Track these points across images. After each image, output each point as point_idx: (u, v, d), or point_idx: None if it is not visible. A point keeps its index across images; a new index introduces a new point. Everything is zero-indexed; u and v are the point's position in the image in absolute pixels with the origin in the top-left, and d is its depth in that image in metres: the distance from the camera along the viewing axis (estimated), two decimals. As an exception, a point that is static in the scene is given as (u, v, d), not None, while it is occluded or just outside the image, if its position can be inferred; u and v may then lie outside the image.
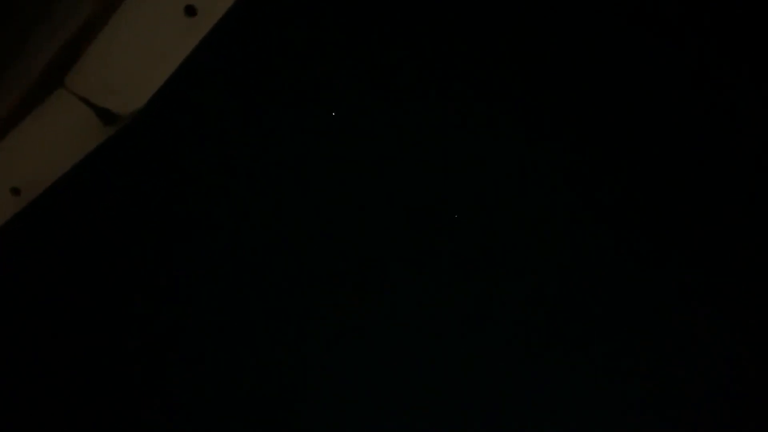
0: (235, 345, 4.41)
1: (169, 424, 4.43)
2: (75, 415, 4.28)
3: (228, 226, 4.28)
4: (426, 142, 4.41)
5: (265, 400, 4.46)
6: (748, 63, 4.17)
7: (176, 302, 4.21)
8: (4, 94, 3.36)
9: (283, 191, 4.30)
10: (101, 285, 4.06)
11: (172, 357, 4.32)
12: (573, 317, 4.54)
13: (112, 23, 3.26)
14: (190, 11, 3.23)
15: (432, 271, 4.52)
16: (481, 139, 4.42)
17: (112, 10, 3.22)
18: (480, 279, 4.53)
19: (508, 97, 4.38)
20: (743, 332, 4.40)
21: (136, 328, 4.16)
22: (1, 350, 4.04)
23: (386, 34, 4.25)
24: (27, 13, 3.26)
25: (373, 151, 4.33)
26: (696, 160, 4.31)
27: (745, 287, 4.34)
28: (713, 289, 4.40)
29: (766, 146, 4.23)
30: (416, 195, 4.44)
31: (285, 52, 4.11)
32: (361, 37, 4.21)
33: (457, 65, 4.38)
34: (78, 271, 4.03)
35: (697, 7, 4.12)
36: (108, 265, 4.03)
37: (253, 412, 4.43)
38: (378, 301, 4.48)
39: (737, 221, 4.29)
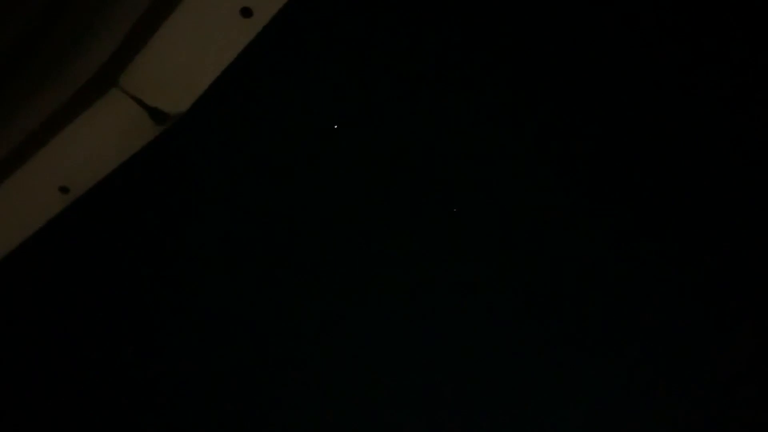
0: (243, 339, 4.45)
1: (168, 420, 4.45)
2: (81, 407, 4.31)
3: (243, 230, 4.34)
4: (424, 141, 4.51)
5: (268, 395, 4.50)
6: (747, 62, 4.33)
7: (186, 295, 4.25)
8: (58, 92, 3.42)
9: (284, 189, 4.36)
10: (143, 281, 4.12)
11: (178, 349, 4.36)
12: (568, 311, 4.62)
13: (168, 23, 3.35)
14: (246, 12, 3.33)
15: (430, 267, 4.59)
16: (479, 136, 4.53)
17: (170, 10, 3.32)
18: (477, 273, 4.61)
19: (505, 95, 4.50)
20: (744, 328, 4.51)
21: (171, 323, 4.21)
22: (44, 341, 4.06)
23: (386, 36, 4.36)
24: (84, 13, 3.35)
25: (371, 150, 4.42)
26: (696, 158, 4.43)
27: (747, 284, 4.46)
28: (713, 285, 4.51)
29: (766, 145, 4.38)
30: (413, 191, 4.52)
31: (288, 61, 4.21)
32: (363, 38, 4.32)
33: (454, 63, 4.49)
34: (119, 268, 4.09)
35: (696, 7, 4.29)
36: (147, 263, 4.10)
37: (258, 407, 4.47)
38: (377, 297, 4.55)
39: (738, 219, 4.41)
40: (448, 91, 4.51)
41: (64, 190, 3.59)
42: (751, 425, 4.58)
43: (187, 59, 3.43)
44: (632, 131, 4.47)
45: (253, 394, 4.50)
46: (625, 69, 4.43)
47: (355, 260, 4.49)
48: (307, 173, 4.41)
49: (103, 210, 3.83)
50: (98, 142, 3.52)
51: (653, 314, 4.63)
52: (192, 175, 4.03)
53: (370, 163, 4.46)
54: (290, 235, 4.43)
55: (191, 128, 3.70)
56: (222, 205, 4.16)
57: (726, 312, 4.55)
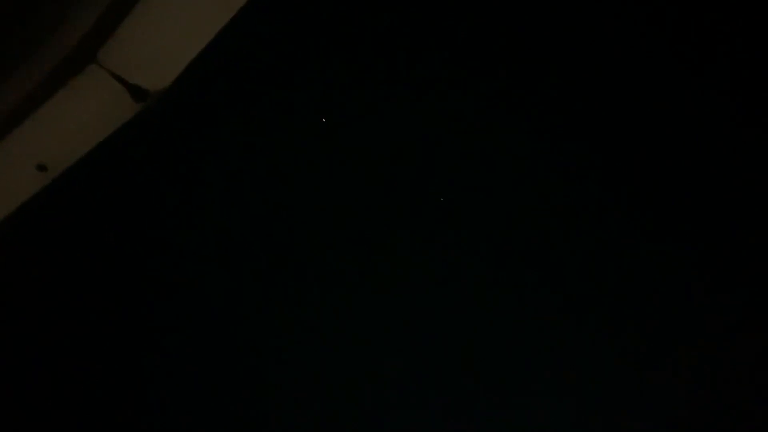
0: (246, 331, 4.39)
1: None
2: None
3: (237, 222, 4.30)
4: (422, 139, 4.49)
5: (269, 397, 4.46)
6: (747, 61, 4.32)
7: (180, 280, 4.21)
8: (36, 68, 3.39)
9: (281, 186, 4.33)
10: (122, 263, 4.06)
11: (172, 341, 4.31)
12: (567, 308, 4.59)
13: (148, -1, 3.34)
14: (227, -13, 3.32)
15: (429, 265, 4.56)
16: (479, 135, 4.51)
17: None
18: (476, 270, 4.58)
19: (505, 95, 4.49)
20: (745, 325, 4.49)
21: (152, 300, 4.16)
22: (23, 319, 4.00)
23: (384, 38, 4.34)
24: (63, -11, 3.32)
25: (368, 147, 4.39)
26: (695, 156, 4.42)
27: (747, 280, 4.43)
28: (712, 281, 4.48)
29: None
30: (411, 188, 4.49)
31: (284, 56, 4.19)
32: (362, 39, 4.30)
33: (454, 63, 4.47)
34: (98, 249, 4.03)
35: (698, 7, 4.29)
36: (127, 244, 4.04)
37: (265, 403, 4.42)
38: (374, 291, 4.51)
39: (737, 217, 4.39)
40: (448, 91, 4.51)
41: (41, 168, 3.55)
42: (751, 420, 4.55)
43: (167, 35, 3.41)
44: (631, 131, 4.48)
45: (246, 386, 4.45)
46: (627, 69, 4.43)
47: (351, 256, 4.46)
48: (301, 165, 4.38)
49: (83, 189, 3.78)
50: (77, 119, 3.49)
51: (652, 310, 4.62)
52: (176, 155, 3.98)
53: (367, 159, 4.44)
54: (282, 224, 4.40)
55: (173, 107, 3.66)
56: (205, 187, 4.11)
57: (725, 309, 4.53)
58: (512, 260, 4.51)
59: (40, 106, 3.45)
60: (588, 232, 4.48)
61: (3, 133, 3.48)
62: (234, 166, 4.08)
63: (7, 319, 4.01)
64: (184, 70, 3.54)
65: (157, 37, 3.42)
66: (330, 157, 4.32)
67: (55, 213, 3.73)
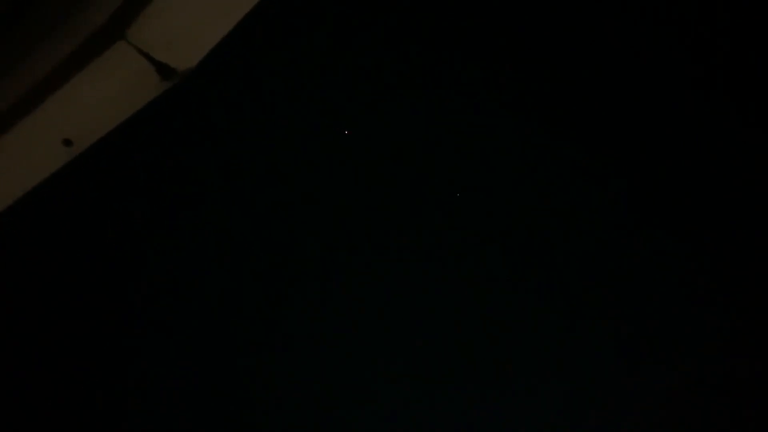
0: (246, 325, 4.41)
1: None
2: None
3: (246, 219, 4.32)
4: (426, 141, 4.51)
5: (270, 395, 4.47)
6: (749, 62, 4.32)
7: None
8: (65, 42, 3.40)
9: (288, 184, 4.36)
10: (145, 240, 4.08)
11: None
12: (566, 308, 4.61)
13: (178, -24, 3.33)
14: (257, -33, 3.31)
15: (429, 267, 4.58)
16: (482, 136, 4.53)
17: (180, -37, 3.30)
18: (476, 271, 4.60)
19: (504, 92, 4.50)
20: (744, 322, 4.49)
21: (167, 284, 4.19)
22: (41, 294, 4.03)
23: (392, 37, 4.37)
24: (94, -36, 3.32)
25: (375, 149, 4.42)
26: (694, 156, 4.43)
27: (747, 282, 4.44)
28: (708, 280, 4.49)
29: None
30: (415, 189, 4.51)
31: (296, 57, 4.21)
32: (370, 40, 4.33)
33: (458, 64, 4.50)
34: (120, 226, 4.05)
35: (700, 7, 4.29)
36: (149, 222, 4.06)
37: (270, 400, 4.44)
38: (376, 293, 4.53)
39: (736, 216, 4.40)
40: (451, 92, 4.53)
41: (67, 143, 3.56)
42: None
43: (197, 14, 3.40)
44: (633, 131, 4.48)
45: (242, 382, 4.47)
46: (627, 69, 4.44)
47: (351, 255, 4.48)
48: (302, 162, 4.40)
49: (107, 165, 3.80)
50: (103, 96, 3.49)
51: (652, 310, 4.62)
52: (198, 135, 4.00)
53: (368, 159, 4.46)
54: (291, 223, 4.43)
55: (199, 87, 3.68)
56: (228, 170, 4.14)
57: (725, 309, 4.53)
58: (512, 260, 4.52)
59: (68, 80, 3.45)
60: (588, 231, 4.49)
61: (31, 107, 3.49)
62: (238, 155, 4.11)
63: (24, 290, 4.05)
64: (211, 50, 3.54)
65: (186, 17, 3.41)
66: (331, 156, 4.34)
67: (78, 188, 3.75)
